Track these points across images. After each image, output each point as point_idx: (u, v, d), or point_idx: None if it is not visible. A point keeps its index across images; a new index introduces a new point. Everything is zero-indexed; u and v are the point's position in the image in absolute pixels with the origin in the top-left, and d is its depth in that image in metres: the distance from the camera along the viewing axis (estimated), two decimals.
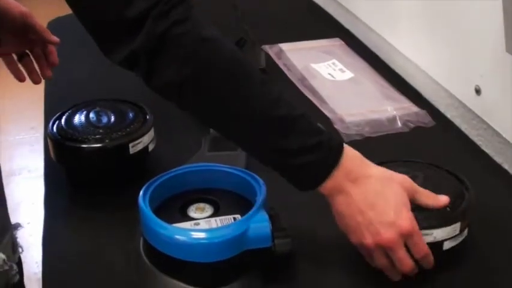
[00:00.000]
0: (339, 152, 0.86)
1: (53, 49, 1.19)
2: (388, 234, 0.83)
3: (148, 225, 0.86)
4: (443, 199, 0.88)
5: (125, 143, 1.07)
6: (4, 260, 0.96)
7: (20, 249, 1.04)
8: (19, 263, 1.04)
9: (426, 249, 0.86)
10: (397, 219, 0.83)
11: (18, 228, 1.02)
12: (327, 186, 0.86)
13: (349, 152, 0.87)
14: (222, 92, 0.85)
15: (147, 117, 1.12)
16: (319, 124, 0.88)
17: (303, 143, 0.85)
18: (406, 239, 0.84)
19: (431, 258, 0.86)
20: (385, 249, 0.85)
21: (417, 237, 0.84)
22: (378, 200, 0.85)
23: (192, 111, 0.89)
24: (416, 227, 0.85)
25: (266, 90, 0.86)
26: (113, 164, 1.08)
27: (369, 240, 0.84)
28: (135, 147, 1.07)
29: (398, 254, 0.84)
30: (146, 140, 1.09)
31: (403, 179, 0.88)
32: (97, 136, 1.06)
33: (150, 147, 1.10)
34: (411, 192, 0.87)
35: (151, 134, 1.10)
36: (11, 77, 1.19)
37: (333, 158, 0.86)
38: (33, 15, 1.14)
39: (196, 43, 0.84)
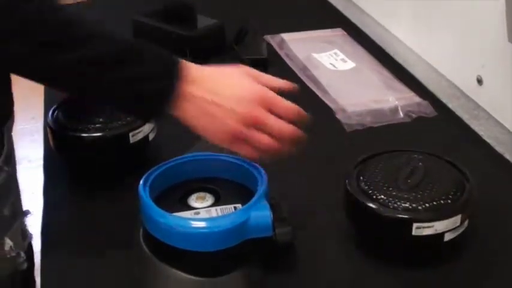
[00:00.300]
0: (178, 68, 0.86)
1: None
2: (246, 108, 0.84)
3: (148, 214, 0.86)
4: (283, 82, 0.89)
5: (125, 132, 1.06)
6: (11, 246, 0.96)
7: (30, 236, 1.03)
8: (29, 250, 1.04)
9: (293, 107, 0.85)
10: (246, 92, 0.85)
11: (28, 215, 1.02)
12: (175, 102, 0.86)
13: (183, 61, 0.87)
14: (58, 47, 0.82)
15: None
16: (157, 48, 0.87)
17: (145, 72, 0.84)
18: (267, 105, 0.84)
19: (303, 112, 0.86)
20: (254, 125, 0.84)
21: (276, 98, 0.85)
22: (221, 85, 0.86)
23: (33, 74, 0.86)
24: (269, 90, 0.85)
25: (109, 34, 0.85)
26: (113, 154, 1.08)
27: (232, 124, 0.84)
28: (135, 137, 1.07)
29: (269, 121, 0.84)
30: (146, 129, 1.08)
31: (243, 67, 0.89)
32: (97, 125, 1.06)
33: (151, 137, 1.10)
34: (254, 75, 0.87)
35: (151, 123, 1.10)
36: None
37: (175, 74, 0.85)
38: None
39: (39, 11, 0.82)
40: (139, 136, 1.07)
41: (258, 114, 0.84)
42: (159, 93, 0.85)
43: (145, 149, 1.10)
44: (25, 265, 0.99)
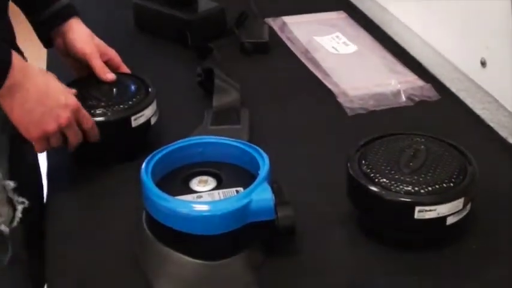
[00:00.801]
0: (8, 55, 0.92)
1: (120, 64, 1.18)
2: (65, 113, 0.97)
3: (150, 198, 0.86)
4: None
5: (127, 116, 1.06)
6: None
7: (22, 205, 1.02)
8: (26, 219, 1.03)
9: (92, 121, 1.02)
10: (67, 100, 0.98)
11: (12, 186, 1.02)
12: (6, 85, 0.91)
13: (15, 56, 0.93)
14: None
15: (150, 90, 1.11)
16: None
17: None
18: (77, 115, 0.99)
19: (96, 130, 1.03)
20: (64, 129, 0.98)
21: (83, 111, 1.01)
22: (49, 89, 0.96)
23: None
24: (79, 103, 1.00)
25: None
26: (115, 137, 1.07)
27: (52, 125, 0.96)
28: (137, 120, 1.07)
29: (74, 129, 0.99)
30: (148, 113, 1.08)
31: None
32: (99, 109, 1.06)
33: (153, 121, 1.10)
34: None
35: (153, 107, 1.10)
36: None
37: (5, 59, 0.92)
38: (97, 55, 1.14)
39: None
40: (141, 120, 1.07)
41: (70, 123, 0.98)
42: None
43: (147, 132, 1.10)
44: (7, 230, 1.00)
